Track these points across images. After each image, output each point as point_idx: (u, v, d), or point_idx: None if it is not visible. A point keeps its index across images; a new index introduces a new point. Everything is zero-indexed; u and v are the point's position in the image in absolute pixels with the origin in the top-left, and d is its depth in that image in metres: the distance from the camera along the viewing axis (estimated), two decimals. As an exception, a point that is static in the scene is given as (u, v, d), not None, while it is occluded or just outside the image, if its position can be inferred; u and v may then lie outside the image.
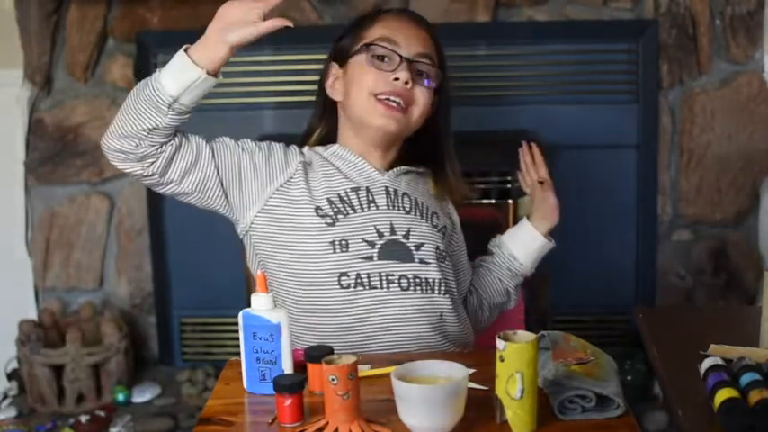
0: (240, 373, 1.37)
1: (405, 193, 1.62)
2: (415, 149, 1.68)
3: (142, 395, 2.64)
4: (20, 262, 2.84)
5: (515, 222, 2.34)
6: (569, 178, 2.60)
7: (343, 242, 1.54)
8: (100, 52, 2.72)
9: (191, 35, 2.71)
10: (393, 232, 1.57)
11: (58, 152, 2.77)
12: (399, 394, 1.18)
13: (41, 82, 2.72)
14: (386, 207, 1.59)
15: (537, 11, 2.65)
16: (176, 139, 1.51)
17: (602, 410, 1.24)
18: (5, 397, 2.69)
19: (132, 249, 2.83)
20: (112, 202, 2.81)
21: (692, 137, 2.68)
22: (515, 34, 2.65)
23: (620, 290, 2.74)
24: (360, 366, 1.25)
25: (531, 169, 1.81)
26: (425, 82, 1.61)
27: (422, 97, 1.60)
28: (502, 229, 1.82)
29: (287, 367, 1.34)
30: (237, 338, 1.36)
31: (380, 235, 1.56)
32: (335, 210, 1.56)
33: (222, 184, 1.56)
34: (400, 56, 1.58)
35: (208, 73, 1.45)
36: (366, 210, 1.57)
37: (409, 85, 1.57)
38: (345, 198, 1.57)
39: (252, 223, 1.59)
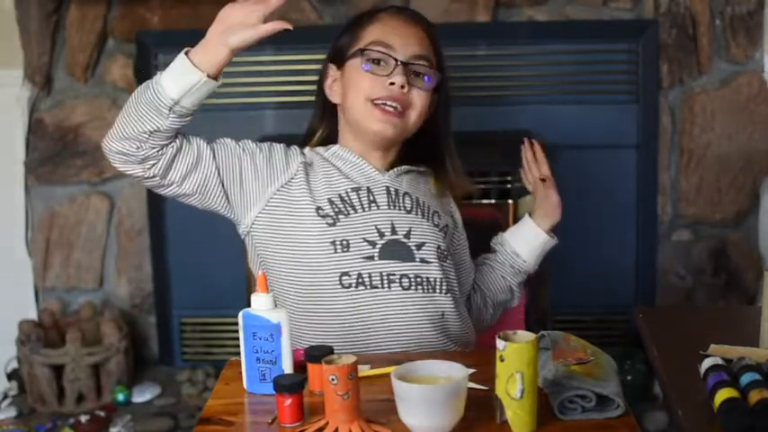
0: (240, 373, 1.37)
1: (406, 193, 1.62)
2: (415, 148, 1.68)
3: (142, 395, 2.64)
4: (20, 262, 2.84)
5: (515, 222, 2.35)
6: (569, 178, 2.60)
7: (344, 242, 1.54)
8: (100, 52, 2.72)
9: (191, 35, 2.71)
10: (394, 232, 1.57)
11: (58, 152, 2.77)
12: (399, 394, 1.18)
13: (41, 82, 2.72)
14: (387, 207, 1.59)
15: (537, 11, 2.65)
16: (177, 140, 1.51)
17: (602, 410, 1.24)
18: (5, 397, 2.69)
19: (132, 249, 2.83)
20: (112, 202, 2.81)
21: (692, 137, 2.68)
22: (515, 34, 2.65)
23: (620, 290, 2.74)
24: (360, 366, 1.25)
25: (533, 166, 1.81)
26: (425, 79, 1.60)
27: (419, 100, 1.60)
28: (502, 229, 1.83)
29: (287, 367, 1.34)
30: (237, 338, 1.37)
31: (381, 235, 1.56)
32: (336, 210, 1.56)
33: (223, 185, 1.56)
34: (395, 59, 1.57)
35: (209, 76, 1.44)
36: (367, 209, 1.57)
37: (405, 89, 1.57)
38: (346, 198, 1.57)
39: (253, 224, 1.59)
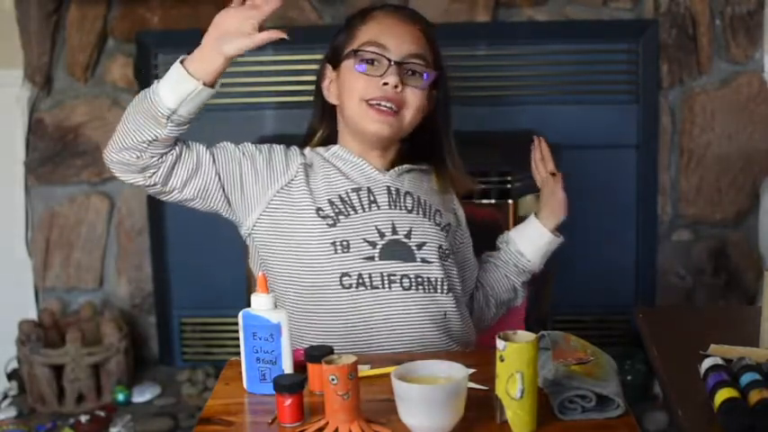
0: (240, 373, 1.37)
1: (407, 192, 1.61)
2: (416, 146, 1.68)
3: (142, 395, 2.64)
4: (20, 262, 2.84)
5: (515, 222, 2.35)
6: (569, 178, 2.60)
7: (345, 243, 1.54)
8: (100, 52, 2.72)
9: (191, 35, 2.71)
10: (395, 232, 1.57)
11: (58, 152, 2.77)
12: (399, 394, 1.18)
13: (41, 82, 2.72)
14: (387, 207, 1.58)
15: (537, 11, 2.65)
16: (177, 148, 1.51)
17: (602, 410, 1.24)
18: (5, 397, 2.69)
19: (132, 249, 2.83)
20: (112, 202, 2.81)
21: (692, 137, 2.68)
22: (515, 34, 2.65)
23: (620, 290, 2.74)
24: (360, 366, 1.25)
25: (540, 164, 1.80)
26: (421, 78, 1.60)
27: (413, 98, 1.59)
28: (501, 229, 1.82)
29: (287, 367, 1.34)
30: (237, 338, 1.37)
31: (382, 235, 1.56)
32: (337, 210, 1.56)
33: (224, 190, 1.56)
34: (389, 59, 1.57)
35: (205, 84, 1.44)
36: (367, 210, 1.57)
37: (399, 89, 1.57)
38: (346, 198, 1.57)
39: (254, 226, 1.59)
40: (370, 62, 1.58)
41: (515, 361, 1.18)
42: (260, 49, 2.76)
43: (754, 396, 1.17)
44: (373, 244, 1.55)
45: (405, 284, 1.55)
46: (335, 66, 1.65)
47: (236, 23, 1.45)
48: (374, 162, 1.62)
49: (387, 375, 1.22)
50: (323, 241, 1.54)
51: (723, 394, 1.18)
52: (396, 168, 1.64)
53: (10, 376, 2.73)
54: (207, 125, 2.70)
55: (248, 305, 1.35)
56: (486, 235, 1.80)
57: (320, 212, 1.55)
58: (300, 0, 2.65)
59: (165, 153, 1.49)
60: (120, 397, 2.60)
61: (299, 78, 2.66)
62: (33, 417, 2.57)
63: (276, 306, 1.35)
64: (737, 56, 2.63)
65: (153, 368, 2.83)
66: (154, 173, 1.50)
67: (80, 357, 2.56)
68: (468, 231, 1.74)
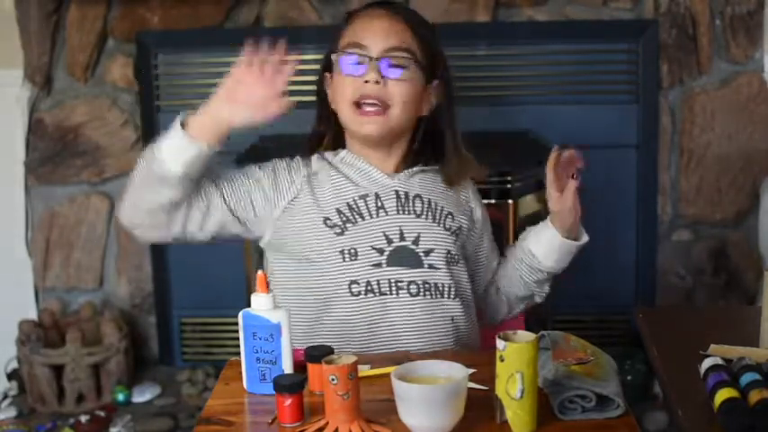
0: (240, 373, 1.37)
1: (417, 195, 1.60)
2: (426, 146, 1.67)
3: (142, 395, 2.64)
4: (20, 262, 2.84)
5: (515, 222, 2.35)
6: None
7: (352, 251, 1.55)
8: (100, 52, 2.72)
9: (191, 35, 2.72)
10: (402, 238, 1.57)
11: (58, 152, 2.77)
12: (399, 394, 1.18)
13: (41, 82, 2.72)
14: (395, 212, 1.58)
15: (537, 11, 2.65)
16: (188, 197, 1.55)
17: (602, 410, 1.24)
18: (5, 397, 2.69)
19: (132, 249, 2.83)
20: (112, 202, 2.80)
21: (692, 137, 2.68)
22: (515, 34, 2.65)
23: (620, 290, 2.74)
24: (360, 366, 1.25)
25: (553, 173, 1.64)
26: (402, 70, 1.57)
27: (398, 91, 1.56)
28: (502, 229, 1.83)
29: (287, 367, 1.34)
30: (237, 338, 1.37)
31: (389, 241, 1.56)
32: (344, 219, 1.56)
33: (239, 219, 1.59)
34: (369, 57, 1.57)
35: (209, 144, 1.48)
36: (375, 216, 1.57)
37: (381, 84, 1.55)
38: (354, 206, 1.57)
39: (269, 239, 1.61)
40: (355, 64, 1.58)
41: (515, 361, 1.18)
42: (259, 46, 2.75)
43: (754, 396, 1.17)
44: (381, 251, 1.55)
45: (412, 291, 1.55)
46: (330, 73, 1.65)
47: (259, 94, 1.50)
48: (382, 165, 1.61)
49: (387, 375, 1.22)
50: (331, 250, 1.55)
51: (723, 394, 1.18)
52: (406, 171, 1.62)
53: (10, 376, 2.73)
54: (207, 125, 2.71)
55: (248, 305, 1.35)
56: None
57: (328, 222, 1.56)
58: (300, 0, 2.65)
59: (181, 205, 1.53)
60: (120, 397, 2.60)
61: (300, 78, 2.64)
62: (33, 417, 2.57)
63: (276, 306, 1.36)
64: (737, 56, 2.63)
65: (153, 368, 2.82)
66: (172, 227, 1.55)
67: (80, 357, 2.56)
68: (486, 226, 1.71)
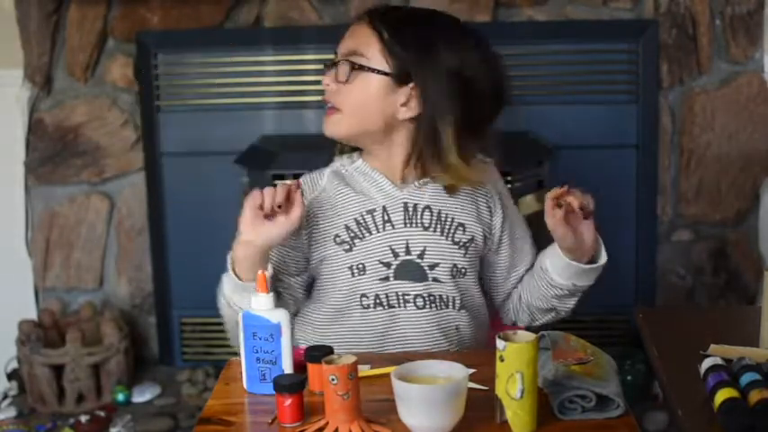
0: (240, 373, 1.38)
1: (426, 207, 1.59)
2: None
3: (142, 395, 2.64)
4: (20, 262, 2.84)
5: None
6: (569, 178, 2.60)
7: (361, 266, 1.57)
8: (100, 52, 2.72)
9: (191, 35, 2.71)
10: (408, 252, 1.57)
11: (58, 152, 2.77)
12: (399, 394, 1.18)
13: (41, 82, 2.72)
14: (402, 225, 1.58)
15: (537, 11, 2.64)
16: None
17: (602, 410, 1.24)
18: (5, 397, 2.69)
19: (132, 249, 2.82)
20: (112, 202, 2.80)
21: (692, 137, 2.68)
22: (515, 34, 2.64)
23: (620, 290, 2.74)
24: (360, 366, 1.25)
25: (551, 207, 1.56)
26: (343, 77, 1.55)
27: (345, 94, 1.55)
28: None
29: (287, 367, 1.34)
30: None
31: (396, 255, 1.57)
32: (352, 235, 1.57)
33: (308, 263, 1.63)
34: (331, 61, 1.58)
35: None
36: (381, 230, 1.57)
37: (331, 87, 1.56)
38: (362, 221, 1.58)
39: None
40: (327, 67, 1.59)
41: (515, 361, 1.18)
42: (261, 45, 2.77)
43: (754, 396, 1.17)
44: (388, 264, 1.57)
45: (418, 304, 1.57)
46: None
47: (277, 236, 1.51)
48: (389, 172, 1.60)
49: (387, 375, 1.22)
50: (341, 266, 1.58)
51: (723, 394, 1.18)
52: (417, 181, 1.59)
53: (10, 376, 2.72)
54: (207, 125, 2.71)
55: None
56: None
57: (337, 239, 1.57)
58: (300, 0, 2.65)
59: None
60: (120, 397, 2.60)
61: (300, 78, 2.66)
62: (33, 417, 2.57)
63: (276, 306, 1.36)
64: (737, 56, 2.63)
65: (153, 368, 2.82)
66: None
67: (80, 357, 2.56)
68: (511, 234, 1.66)
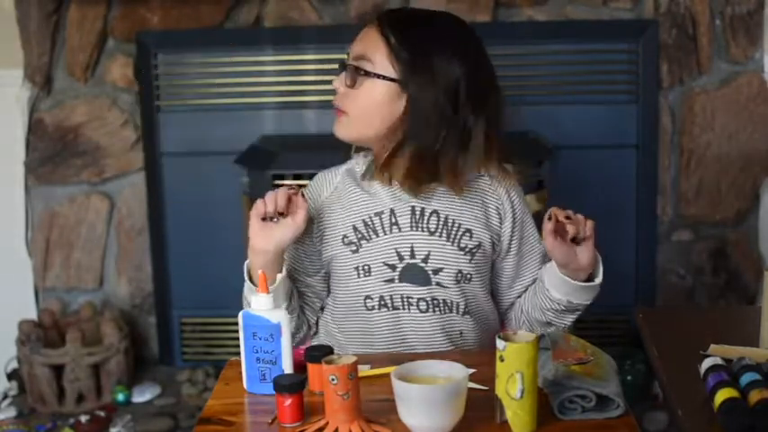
0: (240, 373, 1.38)
1: (434, 211, 1.58)
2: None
3: (142, 395, 2.64)
4: (20, 262, 2.84)
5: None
6: (569, 178, 2.60)
7: (366, 267, 1.57)
8: (100, 52, 2.72)
9: (191, 35, 2.71)
10: (413, 255, 1.57)
11: (58, 152, 2.77)
12: (399, 394, 1.18)
13: (41, 82, 2.72)
14: (409, 228, 1.57)
15: (537, 11, 2.64)
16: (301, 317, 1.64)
17: (602, 410, 1.24)
18: (5, 397, 2.69)
19: (132, 249, 2.83)
20: (112, 202, 2.80)
21: (692, 137, 2.68)
22: (515, 34, 2.64)
23: (620, 290, 2.74)
24: (360, 366, 1.25)
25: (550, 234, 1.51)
26: (352, 76, 1.54)
27: (351, 99, 1.55)
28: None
29: (287, 367, 1.34)
30: (237, 338, 1.37)
31: (401, 258, 1.57)
32: (359, 236, 1.57)
33: (322, 259, 1.63)
34: (342, 65, 1.57)
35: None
36: (388, 233, 1.57)
37: (340, 89, 1.56)
38: (369, 223, 1.57)
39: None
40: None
41: (515, 361, 1.18)
42: (261, 45, 2.77)
43: (754, 396, 1.17)
44: (393, 267, 1.57)
45: (422, 307, 1.57)
46: None
47: (287, 239, 1.52)
48: (401, 178, 1.57)
49: (387, 375, 1.22)
50: (347, 267, 1.58)
51: (723, 394, 1.18)
52: (426, 186, 1.57)
53: (10, 376, 2.73)
54: (207, 125, 2.71)
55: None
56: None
57: (345, 240, 1.58)
58: (300, 0, 2.65)
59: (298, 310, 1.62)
60: (120, 397, 2.60)
61: (300, 78, 2.66)
62: (33, 417, 2.57)
63: (276, 306, 1.36)
64: (737, 56, 2.63)
65: (153, 368, 2.82)
66: (315, 315, 1.66)
67: (80, 357, 2.56)
68: (522, 243, 1.63)
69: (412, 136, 1.53)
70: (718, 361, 1.27)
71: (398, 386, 1.18)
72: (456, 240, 1.58)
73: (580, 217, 1.51)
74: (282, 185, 1.56)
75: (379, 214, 1.58)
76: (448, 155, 1.53)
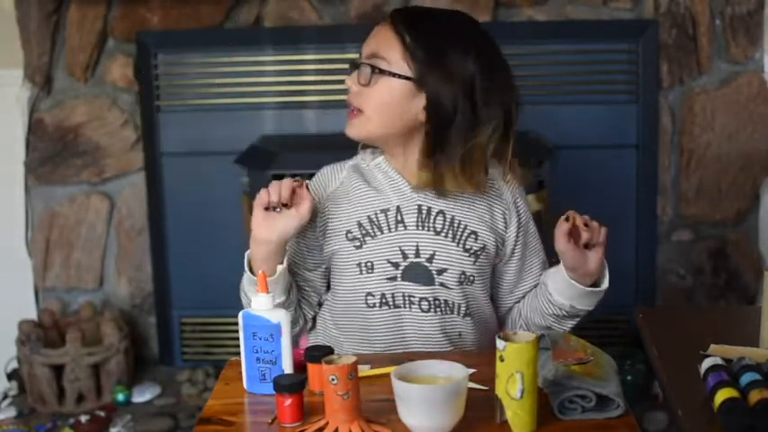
0: (240, 373, 1.38)
1: (440, 212, 1.57)
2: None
3: (142, 395, 2.64)
4: (20, 262, 2.84)
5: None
6: (569, 178, 2.60)
7: (369, 264, 1.56)
8: (100, 52, 2.72)
9: (191, 35, 2.71)
10: (417, 254, 1.56)
11: (58, 152, 2.77)
12: (399, 394, 1.18)
13: (41, 82, 2.72)
14: (414, 227, 1.57)
15: (537, 11, 2.64)
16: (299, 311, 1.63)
17: (602, 410, 1.24)
18: (5, 397, 2.69)
19: (132, 249, 2.83)
20: (112, 202, 2.80)
21: (692, 137, 2.68)
22: (515, 34, 2.64)
23: (620, 290, 2.72)
24: (360, 366, 1.25)
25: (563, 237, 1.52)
26: (366, 75, 1.54)
27: (367, 97, 1.54)
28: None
29: (287, 367, 1.34)
30: (237, 338, 1.37)
31: (405, 256, 1.56)
32: (364, 232, 1.57)
33: (324, 255, 1.62)
34: (355, 63, 1.57)
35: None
36: (393, 230, 1.57)
37: (353, 88, 1.55)
38: (375, 219, 1.57)
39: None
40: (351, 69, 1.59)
41: (515, 361, 1.18)
42: (261, 45, 2.77)
43: (754, 396, 1.17)
44: (396, 265, 1.56)
45: (423, 307, 1.57)
46: None
47: (291, 229, 1.51)
48: (406, 173, 1.58)
49: (387, 375, 1.22)
50: (349, 263, 1.57)
51: (723, 394, 1.18)
52: (434, 186, 1.56)
53: (10, 376, 2.73)
54: (207, 125, 2.71)
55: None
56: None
57: (348, 235, 1.57)
58: (300, 0, 2.65)
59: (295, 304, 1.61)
60: (120, 397, 2.60)
61: (300, 78, 2.66)
62: (33, 417, 2.57)
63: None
64: (737, 56, 2.63)
65: (153, 368, 2.82)
66: (312, 310, 1.66)
67: (80, 357, 2.56)
68: (525, 248, 1.63)
69: (435, 134, 1.53)
70: (718, 361, 1.27)
71: (398, 386, 1.18)
72: (462, 242, 1.58)
73: (596, 224, 1.52)
74: (288, 177, 1.54)
75: (384, 211, 1.57)
76: (468, 152, 1.53)
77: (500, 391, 1.20)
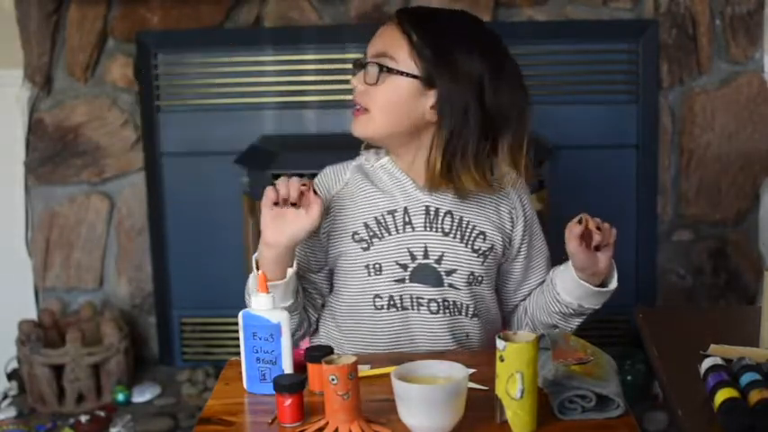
0: (240, 373, 1.37)
1: (448, 212, 1.57)
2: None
3: (142, 395, 2.64)
4: (20, 262, 2.84)
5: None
6: (569, 178, 2.61)
7: (377, 266, 1.55)
8: (100, 52, 2.72)
9: (191, 35, 2.71)
10: (426, 256, 1.56)
11: (58, 152, 2.77)
12: (399, 394, 1.18)
13: (41, 82, 2.72)
14: (422, 228, 1.56)
15: (537, 11, 2.64)
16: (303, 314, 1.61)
17: (602, 410, 1.24)
18: (5, 397, 2.69)
19: (132, 249, 2.83)
20: (112, 202, 2.80)
21: (692, 137, 2.68)
22: (515, 34, 2.64)
23: (620, 290, 2.72)
24: (360, 366, 1.25)
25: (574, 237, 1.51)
26: (372, 73, 1.53)
27: (374, 96, 1.53)
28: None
29: (287, 367, 1.34)
30: (237, 338, 1.37)
31: (413, 258, 1.55)
32: (371, 234, 1.56)
33: (327, 256, 1.62)
34: (360, 62, 1.56)
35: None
36: (401, 232, 1.56)
37: (359, 88, 1.54)
38: (382, 221, 1.56)
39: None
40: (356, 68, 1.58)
41: (515, 361, 1.18)
42: (261, 45, 2.77)
43: (754, 396, 1.17)
44: (404, 266, 1.56)
45: (432, 308, 1.56)
46: None
47: (301, 232, 1.49)
48: (413, 173, 1.57)
49: (387, 375, 1.22)
50: (357, 264, 1.56)
51: (723, 394, 1.18)
52: (442, 187, 1.56)
53: (10, 376, 2.73)
54: (207, 125, 2.72)
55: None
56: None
57: (355, 236, 1.56)
58: (300, 0, 2.65)
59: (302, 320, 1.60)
60: (120, 397, 2.60)
61: (300, 78, 2.66)
62: (33, 417, 2.57)
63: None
64: (737, 56, 2.63)
65: (153, 368, 2.82)
66: (316, 312, 1.64)
67: (80, 357, 2.56)
68: (530, 248, 1.63)
69: (447, 133, 1.52)
70: (718, 361, 1.27)
71: (398, 386, 1.18)
72: (470, 242, 1.57)
73: (607, 226, 1.52)
74: (293, 176, 1.52)
75: (392, 212, 1.56)
76: (478, 152, 1.53)
77: (500, 391, 1.20)
